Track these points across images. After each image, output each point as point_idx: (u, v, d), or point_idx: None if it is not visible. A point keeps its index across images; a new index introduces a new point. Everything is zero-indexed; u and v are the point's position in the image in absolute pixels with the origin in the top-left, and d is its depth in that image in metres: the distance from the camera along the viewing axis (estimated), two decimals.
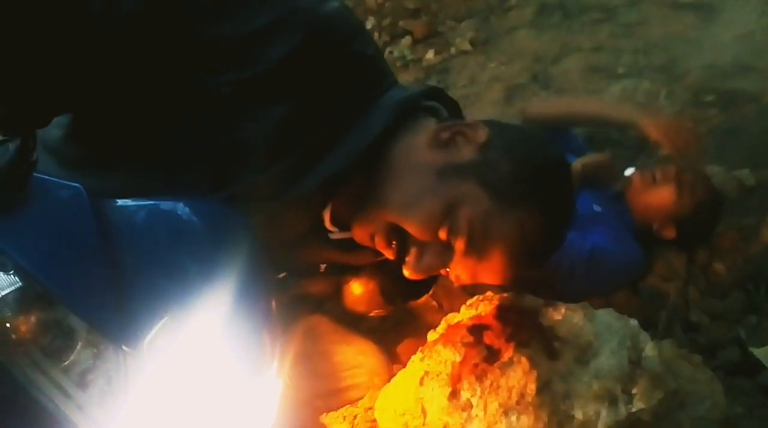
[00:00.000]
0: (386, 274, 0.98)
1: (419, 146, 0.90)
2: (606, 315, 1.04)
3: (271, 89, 0.81)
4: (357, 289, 1.03)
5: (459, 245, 0.87)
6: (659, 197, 1.63)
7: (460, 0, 2.91)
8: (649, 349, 1.00)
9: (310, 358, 1.18)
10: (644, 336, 1.02)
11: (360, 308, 1.06)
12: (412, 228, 0.87)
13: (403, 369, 1.06)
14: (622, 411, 0.93)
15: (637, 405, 0.94)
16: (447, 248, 0.89)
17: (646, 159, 1.95)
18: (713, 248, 1.59)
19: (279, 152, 0.83)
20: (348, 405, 1.15)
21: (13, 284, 0.59)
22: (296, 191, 0.85)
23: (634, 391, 0.95)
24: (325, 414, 1.13)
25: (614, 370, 0.96)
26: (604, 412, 0.93)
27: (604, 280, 1.46)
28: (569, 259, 1.39)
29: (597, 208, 1.63)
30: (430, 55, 2.60)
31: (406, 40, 2.74)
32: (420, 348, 1.06)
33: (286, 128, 0.82)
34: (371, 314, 1.09)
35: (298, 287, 1.03)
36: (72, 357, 0.62)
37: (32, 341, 0.60)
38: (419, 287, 1.03)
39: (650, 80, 2.29)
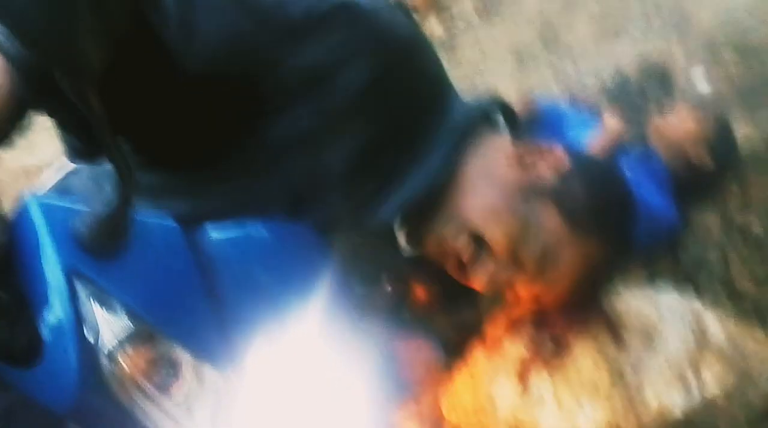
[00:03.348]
0: (447, 281, 0.98)
1: (498, 161, 0.90)
2: (667, 297, 1.05)
3: (351, 116, 0.81)
4: (422, 293, 1.03)
5: (528, 266, 0.89)
6: (685, 126, 1.67)
7: None
8: (714, 328, 1.01)
9: (370, 356, 1.18)
10: (708, 315, 1.03)
11: (425, 311, 1.06)
12: (496, 241, 0.87)
13: (469, 366, 1.07)
14: (696, 395, 0.94)
15: (710, 389, 0.94)
16: (516, 267, 0.90)
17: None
18: (749, 207, 1.59)
19: (357, 180, 0.84)
20: (411, 402, 1.15)
21: (124, 326, 0.61)
22: (374, 219, 0.85)
23: (704, 374, 0.95)
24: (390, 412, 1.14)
25: (683, 353, 0.97)
26: (678, 398, 0.94)
27: (644, 240, 1.46)
28: None
29: (627, 174, 1.63)
30: (438, 30, 2.56)
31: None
32: (483, 343, 1.06)
33: (364, 155, 0.82)
34: (436, 318, 1.10)
35: (368, 298, 1.04)
36: (181, 388, 0.64)
37: (146, 378, 0.62)
38: (475, 295, 1.05)
39: (664, 39, 2.26)
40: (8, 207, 0.69)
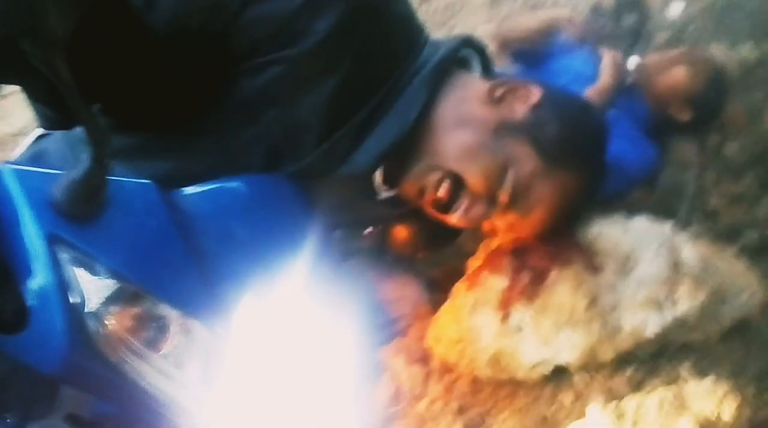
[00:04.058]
0: (426, 220, 1.00)
1: (471, 101, 0.90)
2: (641, 223, 1.07)
3: (320, 62, 0.81)
4: (402, 233, 1.05)
5: (504, 200, 0.91)
6: (673, 78, 1.65)
7: None
8: (687, 251, 1.03)
9: (353, 296, 1.21)
10: (680, 238, 1.05)
11: (406, 251, 1.09)
12: (474, 180, 0.89)
13: (451, 298, 1.10)
14: (668, 316, 0.98)
15: (682, 308, 0.98)
16: (492, 202, 0.92)
17: (643, 47, 1.92)
18: (724, 129, 1.61)
19: (332, 127, 0.84)
20: (399, 338, 1.19)
21: (108, 287, 0.62)
22: (351, 166, 0.86)
23: (677, 295, 0.99)
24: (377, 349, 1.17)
25: (656, 276, 1.00)
26: (650, 319, 0.97)
27: (620, 184, 1.48)
28: None
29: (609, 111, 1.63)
30: None
31: None
32: (465, 277, 1.09)
33: (337, 101, 0.83)
34: (417, 257, 1.12)
35: (348, 240, 1.06)
36: (169, 343, 0.66)
37: (133, 335, 0.64)
38: (454, 231, 1.07)
39: None
40: None
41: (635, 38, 1.94)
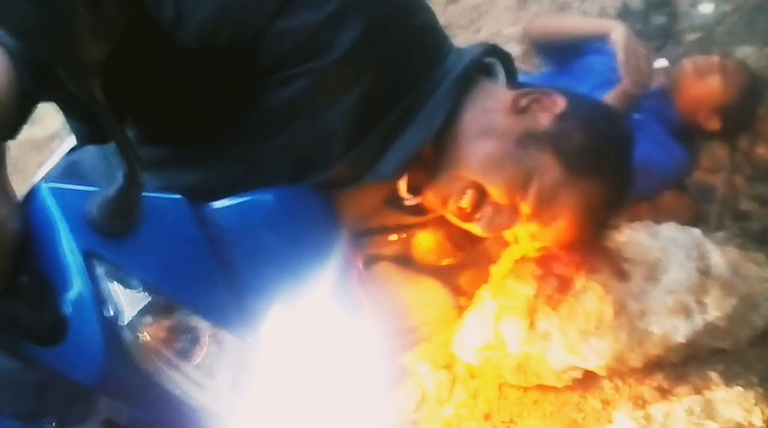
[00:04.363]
0: (450, 227, 1.01)
1: (495, 110, 0.91)
2: (669, 229, 1.07)
3: (345, 75, 0.82)
4: (427, 240, 1.06)
5: (526, 210, 0.91)
6: (705, 87, 1.62)
7: None
8: (716, 256, 1.03)
9: (379, 302, 1.22)
10: (709, 245, 1.05)
11: (431, 257, 1.09)
12: (497, 190, 0.89)
13: (476, 306, 1.10)
14: (698, 321, 0.97)
15: (712, 313, 0.97)
16: (515, 212, 0.92)
17: (674, 48, 1.91)
18: (755, 133, 1.59)
19: (356, 137, 0.85)
20: (423, 344, 1.19)
21: (142, 300, 0.64)
22: (376, 174, 0.87)
23: (707, 300, 0.98)
24: (403, 354, 1.18)
25: (685, 282, 1.00)
26: (681, 325, 0.97)
27: (652, 188, 1.47)
28: None
29: (636, 115, 1.62)
30: None
31: None
32: (489, 284, 1.09)
33: (362, 110, 0.83)
34: (442, 263, 1.13)
35: (373, 248, 1.07)
36: (201, 353, 0.68)
37: (166, 346, 0.66)
38: (479, 238, 1.07)
39: None
40: (20, 182, 0.72)
41: (664, 39, 1.92)
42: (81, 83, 0.57)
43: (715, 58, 1.62)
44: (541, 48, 1.81)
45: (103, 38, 0.58)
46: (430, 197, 0.95)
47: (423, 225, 1.05)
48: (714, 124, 1.61)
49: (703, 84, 1.61)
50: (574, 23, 1.79)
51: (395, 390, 1.12)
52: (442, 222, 1.01)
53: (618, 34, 1.48)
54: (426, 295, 1.26)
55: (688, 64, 1.66)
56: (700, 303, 0.98)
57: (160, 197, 0.70)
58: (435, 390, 1.09)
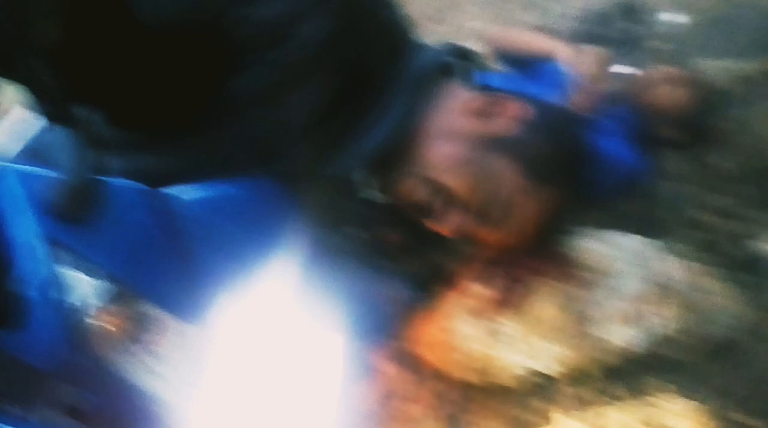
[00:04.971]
0: (416, 224, 1.02)
1: (457, 112, 0.92)
2: (628, 238, 1.09)
3: (305, 66, 0.82)
4: (392, 237, 1.07)
5: (488, 213, 0.93)
6: (659, 97, 1.66)
7: None
8: (674, 267, 1.05)
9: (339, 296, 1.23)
10: (668, 255, 1.07)
11: (396, 254, 1.10)
12: (459, 192, 0.90)
13: (438, 304, 1.11)
14: (655, 332, 0.99)
15: (667, 325, 0.99)
16: (474, 212, 0.94)
17: (637, 55, 1.92)
18: (714, 144, 1.62)
19: (318, 133, 0.86)
20: (388, 340, 1.20)
21: (101, 288, 0.66)
22: (335, 168, 0.88)
23: (663, 311, 1.00)
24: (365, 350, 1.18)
25: (642, 292, 1.02)
26: (637, 335, 0.99)
27: (611, 189, 1.49)
28: None
29: (598, 118, 1.64)
30: None
31: None
32: (451, 283, 1.11)
33: (321, 103, 0.84)
34: (406, 260, 1.14)
35: (339, 243, 1.07)
36: (158, 342, 0.70)
37: (125, 334, 0.67)
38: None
39: None
40: None
41: (628, 46, 1.95)
42: (32, 64, 0.56)
43: (674, 69, 1.66)
44: (501, 55, 1.83)
45: (58, 19, 0.57)
46: (394, 194, 0.95)
47: (389, 221, 1.05)
48: (670, 132, 1.64)
49: (656, 93, 1.66)
50: (522, 41, 1.83)
51: (356, 385, 1.13)
52: (408, 219, 1.02)
53: (564, 54, 1.52)
54: (390, 292, 1.27)
55: (648, 73, 1.70)
56: (657, 314, 1.01)
57: (123, 185, 0.70)
58: (399, 387, 1.10)
